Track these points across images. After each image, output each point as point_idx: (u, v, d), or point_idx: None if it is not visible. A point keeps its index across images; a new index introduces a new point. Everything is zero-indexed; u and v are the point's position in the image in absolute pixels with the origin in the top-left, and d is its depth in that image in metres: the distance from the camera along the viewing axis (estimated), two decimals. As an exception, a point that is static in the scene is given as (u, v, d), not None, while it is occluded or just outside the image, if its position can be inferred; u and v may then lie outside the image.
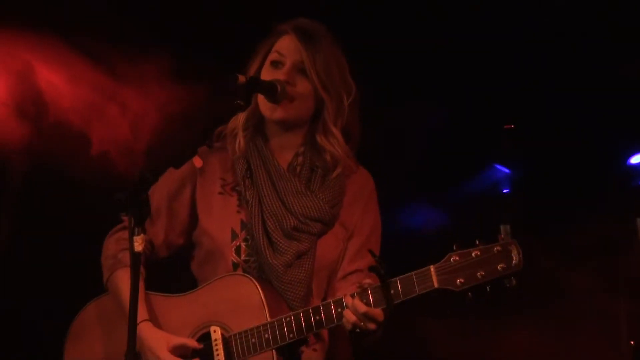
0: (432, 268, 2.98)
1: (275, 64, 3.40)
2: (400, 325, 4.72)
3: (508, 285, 2.92)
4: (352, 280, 3.38)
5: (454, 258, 2.95)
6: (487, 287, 2.93)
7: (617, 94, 5.55)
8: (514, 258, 2.89)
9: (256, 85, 3.27)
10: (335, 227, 3.41)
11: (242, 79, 3.20)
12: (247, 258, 3.37)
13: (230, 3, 5.05)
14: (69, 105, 4.63)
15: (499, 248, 2.92)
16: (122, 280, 3.46)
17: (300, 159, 3.46)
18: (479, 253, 2.93)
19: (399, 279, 3.02)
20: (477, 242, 2.96)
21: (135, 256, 2.83)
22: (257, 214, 3.38)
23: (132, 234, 2.82)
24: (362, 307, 3.05)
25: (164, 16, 4.97)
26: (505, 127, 6.05)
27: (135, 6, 4.90)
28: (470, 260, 2.93)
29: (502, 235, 2.95)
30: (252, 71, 3.44)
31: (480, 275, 2.91)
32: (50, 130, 4.65)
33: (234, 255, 3.37)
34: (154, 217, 3.52)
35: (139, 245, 2.82)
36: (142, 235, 2.82)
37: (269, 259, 3.31)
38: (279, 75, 3.36)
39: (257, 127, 3.50)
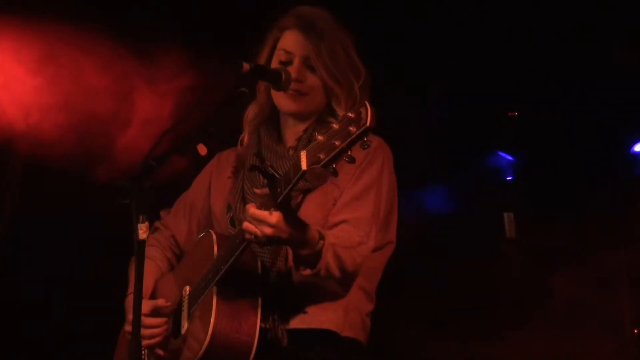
0: (302, 152, 2.84)
1: (284, 64, 3.42)
2: (387, 337, 4.73)
3: (366, 147, 2.70)
4: (336, 230, 3.30)
5: (319, 137, 2.79)
6: (346, 158, 2.73)
7: (621, 81, 5.54)
8: (363, 117, 2.66)
9: (260, 72, 3.29)
10: (327, 185, 3.36)
11: (246, 66, 3.21)
12: (240, 227, 3.37)
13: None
14: (78, 96, 4.70)
15: (351, 114, 2.72)
16: (132, 268, 3.54)
17: (301, 134, 3.48)
18: (337, 126, 2.76)
19: (283, 174, 2.94)
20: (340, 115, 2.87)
21: (139, 244, 2.84)
22: (239, 183, 3.47)
23: (136, 222, 2.83)
24: (250, 209, 3.01)
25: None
26: (509, 114, 6.06)
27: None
28: (331, 134, 2.76)
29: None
30: None
31: (337, 143, 2.72)
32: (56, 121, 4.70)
33: (230, 227, 3.43)
34: (180, 212, 3.65)
35: (143, 233, 2.84)
36: (146, 223, 2.84)
37: (240, 214, 3.34)
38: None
39: (267, 121, 3.56)
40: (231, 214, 3.45)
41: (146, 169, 2.91)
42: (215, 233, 3.32)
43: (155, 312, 3.38)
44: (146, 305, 3.36)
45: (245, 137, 3.55)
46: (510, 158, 6.24)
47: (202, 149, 3.16)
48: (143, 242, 2.85)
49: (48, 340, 5.22)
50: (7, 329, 5.13)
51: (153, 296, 3.52)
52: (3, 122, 4.59)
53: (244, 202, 3.39)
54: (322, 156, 2.75)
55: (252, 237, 3.02)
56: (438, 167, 5.84)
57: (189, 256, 3.53)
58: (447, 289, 5.84)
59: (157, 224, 3.71)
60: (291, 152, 3.45)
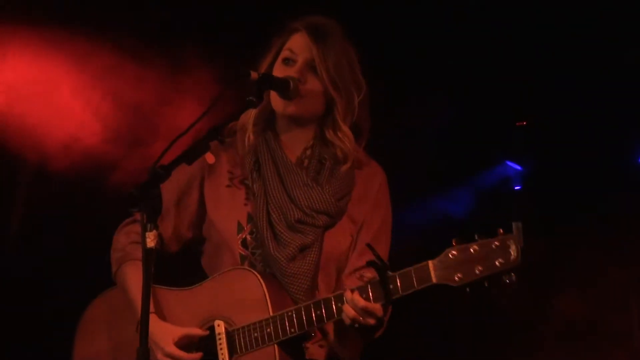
0: (430, 263, 2.96)
1: (287, 62, 3.41)
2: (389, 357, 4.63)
3: (508, 281, 2.87)
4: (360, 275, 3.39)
5: (452, 253, 2.92)
6: (485, 283, 2.90)
7: (630, 91, 5.54)
8: (512, 253, 2.83)
9: (268, 81, 3.28)
10: (343, 220, 3.42)
11: (254, 75, 3.22)
12: (253, 251, 3.39)
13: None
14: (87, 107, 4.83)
15: (497, 243, 2.88)
16: (130, 273, 3.49)
17: (308, 152, 3.47)
18: (477, 248, 2.89)
19: (398, 275, 3.03)
20: (476, 236, 2.93)
21: (147, 252, 2.85)
22: (262, 206, 3.39)
23: (144, 230, 2.84)
24: (361, 302, 3.06)
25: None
26: (517, 124, 6.02)
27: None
28: (469, 256, 2.89)
29: (502, 230, 2.90)
30: (263, 68, 3.46)
31: (479, 270, 2.87)
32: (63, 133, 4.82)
33: (241, 247, 3.39)
34: (164, 211, 3.52)
35: (151, 241, 2.84)
36: (154, 231, 2.84)
37: (272, 251, 3.32)
38: (291, 72, 3.37)
39: (268, 122, 3.51)
40: (243, 235, 3.41)
41: (154, 177, 2.90)
42: (265, 281, 3.27)
43: (185, 340, 3.34)
44: (176, 333, 3.33)
45: (250, 136, 3.47)
46: (518, 168, 6.19)
47: (210, 158, 3.17)
48: (151, 250, 2.85)
49: (55, 344, 5.02)
50: (15, 332, 5.16)
51: (158, 312, 3.41)
52: (15, 130, 4.72)
53: (273, 232, 3.35)
54: (459, 276, 2.88)
55: (352, 322, 3.10)
56: (445, 177, 5.82)
57: (215, 287, 3.39)
58: (452, 300, 5.80)
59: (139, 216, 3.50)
60: (305, 178, 3.40)
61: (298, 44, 3.42)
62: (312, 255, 3.34)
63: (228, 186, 3.49)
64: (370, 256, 3.28)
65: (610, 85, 5.55)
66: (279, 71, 3.42)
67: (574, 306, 5.70)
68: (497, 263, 2.84)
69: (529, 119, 6.00)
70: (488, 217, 5.85)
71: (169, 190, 3.52)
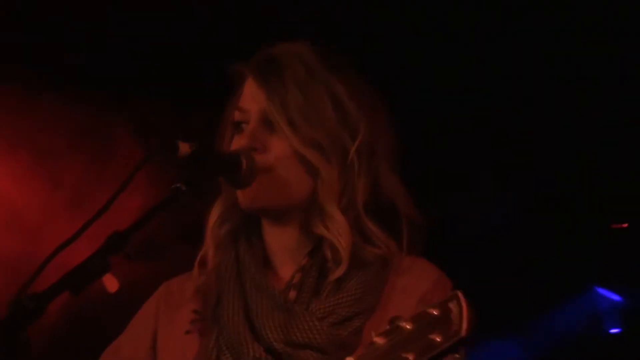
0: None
1: (239, 127, 2.91)
2: None
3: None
4: None
5: (377, 340, 2.35)
6: None
7: None
8: (455, 322, 2.24)
9: (206, 157, 2.75)
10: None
11: (184, 148, 2.68)
12: None
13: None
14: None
15: (435, 311, 2.30)
16: None
17: (305, 261, 2.96)
18: (409, 326, 2.34)
19: None
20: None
21: None
22: (211, 348, 2.91)
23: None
24: None
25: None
26: (614, 226, 5.81)
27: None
28: (398, 339, 2.33)
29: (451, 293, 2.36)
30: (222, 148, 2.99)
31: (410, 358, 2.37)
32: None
33: None
34: None
35: None
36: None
37: None
38: (242, 141, 2.85)
39: (244, 229, 3.00)
40: None
41: (20, 314, 2.35)
42: None
43: None
44: None
45: (210, 254, 2.95)
46: (616, 298, 6.03)
47: (111, 283, 2.59)
48: None
49: None
50: None
51: None
52: None
53: None
54: None
55: None
56: (505, 310, 5.61)
57: None
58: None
59: None
60: (279, 297, 2.94)
61: (247, 96, 2.94)
62: None
63: (187, 333, 3.01)
64: None
65: None
66: (235, 145, 2.92)
67: None
68: (435, 340, 2.23)
69: (632, 218, 5.76)
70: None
71: (118, 351, 3.08)
